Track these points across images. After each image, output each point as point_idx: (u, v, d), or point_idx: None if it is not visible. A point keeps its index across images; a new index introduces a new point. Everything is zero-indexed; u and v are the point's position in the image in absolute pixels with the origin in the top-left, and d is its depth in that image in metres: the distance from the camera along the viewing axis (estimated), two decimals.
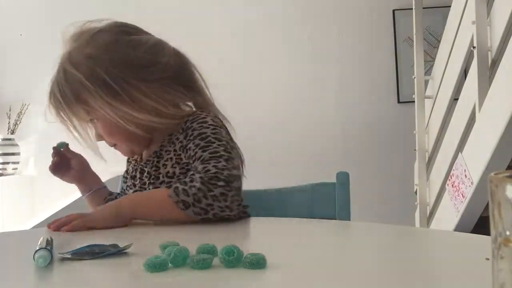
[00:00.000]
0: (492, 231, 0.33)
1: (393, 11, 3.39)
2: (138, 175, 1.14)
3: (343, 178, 1.20)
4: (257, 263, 0.56)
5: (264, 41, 3.45)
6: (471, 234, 0.74)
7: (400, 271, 0.57)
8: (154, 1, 3.54)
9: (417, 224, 2.53)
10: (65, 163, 1.20)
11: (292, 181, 1.34)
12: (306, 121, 3.39)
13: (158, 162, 1.10)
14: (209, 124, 1.06)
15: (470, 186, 1.82)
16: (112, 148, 1.15)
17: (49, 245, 0.64)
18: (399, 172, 3.19)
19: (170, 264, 0.58)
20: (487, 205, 1.71)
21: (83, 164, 1.22)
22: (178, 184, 0.94)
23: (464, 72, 2.18)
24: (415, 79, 2.61)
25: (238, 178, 0.99)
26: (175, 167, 1.07)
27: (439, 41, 2.82)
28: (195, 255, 0.59)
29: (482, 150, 1.74)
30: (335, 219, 1.16)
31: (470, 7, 1.97)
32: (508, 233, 0.32)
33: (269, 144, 3.38)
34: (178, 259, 0.58)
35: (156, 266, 0.56)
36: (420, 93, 2.60)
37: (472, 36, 1.92)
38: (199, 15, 3.43)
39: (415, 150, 2.61)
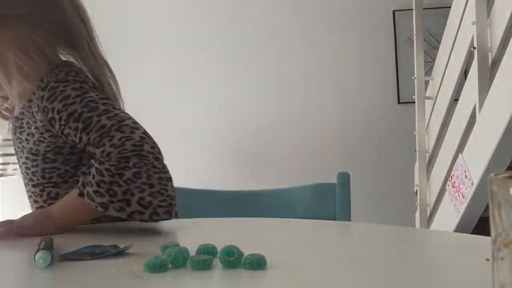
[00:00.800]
0: (492, 232, 0.33)
1: (393, 11, 3.39)
2: (13, 132, 1.04)
3: (344, 179, 1.20)
4: (257, 263, 0.56)
5: (264, 41, 3.45)
6: (471, 235, 0.74)
7: (400, 271, 0.57)
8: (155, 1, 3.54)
9: (417, 225, 2.53)
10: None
11: (292, 182, 1.34)
12: (306, 122, 3.39)
13: (20, 132, 0.99)
14: (73, 97, 0.89)
15: (470, 186, 1.82)
16: None
17: (49, 245, 0.64)
18: (399, 172, 3.19)
19: (170, 265, 0.58)
20: (488, 206, 1.70)
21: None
22: (88, 188, 0.83)
23: (464, 73, 2.18)
24: (415, 80, 2.61)
25: (149, 140, 0.85)
26: (39, 145, 0.95)
27: (439, 42, 2.82)
28: (195, 255, 0.59)
29: (482, 151, 1.74)
30: (336, 219, 1.16)
31: (470, 7, 1.97)
32: (508, 234, 0.32)
33: (269, 145, 3.38)
34: (178, 260, 0.58)
35: (156, 267, 0.56)
36: (420, 94, 2.60)
37: (472, 36, 1.92)
38: (197, 15, 3.43)
39: (415, 150, 2.61)
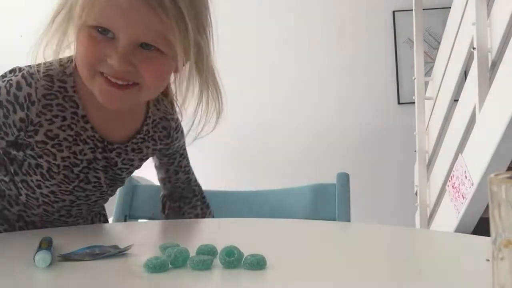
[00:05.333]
0: (492, 232, 0.33)
1: (393, 12, 3.40)
2: (95, 154, 0.88)
3: (343, 179, 1.20)
4: (257, 264, 0.56)
5: (264, 41, 3.45)
6: (472, 235, 0.74)
7: (400, 272, 0.57)
8: None
9: (417, 225, 2.53)
10: None
11: (292, 182, 1.34)
12: (306, 122, 3.39)
13: (135, 153, 0.92)
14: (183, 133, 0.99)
15: (470, 187, 1.82)
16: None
17: (49, 246, 0.64)
18: (399, 173, 3.19)
19: (170, 265, 0.58)
20: (488, 206, 1.71)
21: None
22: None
23: (464, 73, 2.18)
24: (415, 80, 2.61)
25: None
26: (132, 172, 0.96)
27: (439, 43, 2.82)
28: (195, 256, 0.59)
29: (482, 151, 1.74)
30: (335, 220, 1.16)
31: (470, 8, 1.97)
32: (508, 234, 0.32)
33: (269, 145, 3.38)
34: (178, 260, 0.58)
35: (157, 267, 0.56)
36: (420, 94, 2.60)
37: (472, 37, 1.92)
38: None
39: (415, 151, 2.61)
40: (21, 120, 0.81)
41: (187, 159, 1.05)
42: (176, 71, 0.82)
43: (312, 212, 1.22)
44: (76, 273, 0.59)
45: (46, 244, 0.64)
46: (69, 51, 0.86)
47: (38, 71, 0.84)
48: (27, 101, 0.81)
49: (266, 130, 3.39)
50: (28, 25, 4.07)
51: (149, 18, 0.73)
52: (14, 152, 0.86)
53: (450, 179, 2.06)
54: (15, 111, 0.81)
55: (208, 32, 0.83)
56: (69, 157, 0.85)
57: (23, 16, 3.64)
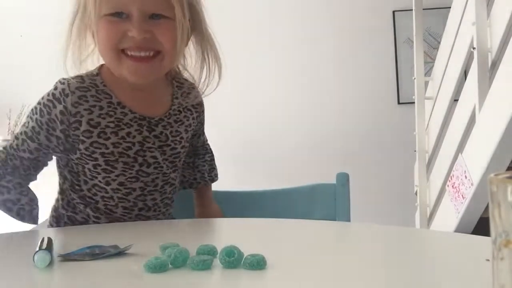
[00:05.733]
0: (492, 232, 0.33)
1: (393, 12, 3.40)
2: (143, 134, 0.96)
3: (343, 179, 1.20)
4: (257, 264, 0.56)
5: (264, 41, 3.45)
6: (471, 235, 0.74)
7: (400, 272, 0.57)
8: None
9: (417, 225, 2.53)
10: None
11: (292, 182, 1.34)
12: (306, 122, 3.39)
13: (179, 125, 1.02)
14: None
15: (470, 187, 1.82)
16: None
17: (48, 246, 0.64)
18: (399, 173, 3.19)
19: (170, 265, 0.58)
20: (487, 206, 1.71)
21: None
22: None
23: (464, 73, 2.18)
24: (415, 80, 2.61)
25: None
26: (188, 133, 1.06)
27: (439, 42, 2.82)
28: (195, 256, 0.59)
29: (482, 151, 1.74)
30: (335, 220, 1.16)
31: (470, 8, 1.97)
32: (508, 234, 0.32)
33: (268, 145, 3.38)
34: (178, 260, 0.58)
35: (157, 267, 0.56)
36: (420, 94, 2.60)
37: (472, 37, 1.92)
38: None
39: (415, 151, 2.61)
40: (61, 113, 0.92)
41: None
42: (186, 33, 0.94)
43: (312, 212, 1.22)
44: (76, 273, 0.59)
45: (46, 244, 0.64)
46: (91, 61, 0.99)
47: (70, 77, 0.96)
48: (62, 95, 0.92)
49: (266, 130, 3.39)
50: (28, 25, 4.08)
51: None
52: (72, 157, 0.95)
53: (450, 179, 2.06)
54: (54, 106, 0.92)
55: (201, 3, 0.98)
56: (119, 143, 0.94)
57: (23, 16, 3.64)
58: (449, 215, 2.04)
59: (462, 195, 1.90)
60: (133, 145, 0.95)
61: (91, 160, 0.94)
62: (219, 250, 0.59)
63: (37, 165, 0.99)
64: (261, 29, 3.47)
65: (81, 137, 0.93)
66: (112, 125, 0.94)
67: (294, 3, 3.47)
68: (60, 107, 0.92)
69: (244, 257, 0.57)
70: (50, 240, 0.67)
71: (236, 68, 3.42)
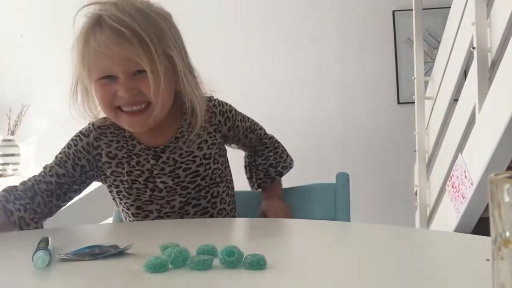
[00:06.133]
0: (492, 232, 0.33)
1: (393, 12, 3.40)
2: (150, 162, 1.07)
3: (343, 179, 1.20)
4: (257, 264, 0.56)
5: (264, 41, 3.45)
6: (471, 235, 0.74)
7: (400, 272, 0.57)
8: None
9: (417, 225, 2.53)
10: None
11: (292, 182, 1.34)
12: (306, 122, 3.39)
13: (188, 146, 1.09)
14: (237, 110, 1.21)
15: (470, 187, 1.82)
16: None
17: (48, 246, 0.64)
18: (399, 173, 3.19)
19: (170, 265, 0.58)
20: (487, 206, 1.70)
21: None
22: (281, 169, 1.26)
23: (464, 73, 2.18)
24: (415, 80, 2.61)
25: None
26: (212, 148, 1.12)
27: (439, 42, 2.82)
28: (195, 256, 0.59)
29: (482, 151, 1.74)
30: (335, 220, 1.15)
31: (470, 8, 1.97)
32: (508, 234, 0.32)
33: None
34: (178, 260, 0.58)
35: (156, 267, 0.56)
36: (420, 94, 2.60)
37: (472, 37, 1.92)
38: (196, 17, 3.43)
39: (415, 151, 2.61)
40: (87, 144, 1.09)
41: (250, 121, 1.24)
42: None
43: (312, 212, 1.22)
44: (76, 272, 0.59)
45: (45, 244, 0.64)
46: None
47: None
48: (87, 131, 1.10)
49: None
50: (28, 25, 4.08)
51: (125, 52, 0.98)
52: (105, 185, 1.11)
53: (450, 179, 2.06)
54: (81, 139, 1.09)
55: (175, 45, 1.03)
56: (131, 171, 1.07)
57: (23, 16, 3.64)
58: (449, 215, 2.04)
59: (462, 195, 1.90)
60: (143, 172, 1.07)
61: (115, 187, 1.08)
62: (219, 250, 0.59)
63: (60, 193, 1.07)
64: (260, 29, 3.47)
65: (103, 168, 1.08)
66: (125, 155, 1.08)
67: (293, 3, 3.47)
68: (85, 139, 1.09)
69: (244, 257, 0.57)
70: (49, 240, 0.67)
71: (235, 68, 3.43)
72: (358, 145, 3.37)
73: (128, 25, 0.97)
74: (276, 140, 1.33)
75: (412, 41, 2.66)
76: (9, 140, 3.49)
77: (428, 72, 2.94)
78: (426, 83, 2.70)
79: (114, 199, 1.13)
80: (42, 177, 1.07)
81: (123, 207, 1.09)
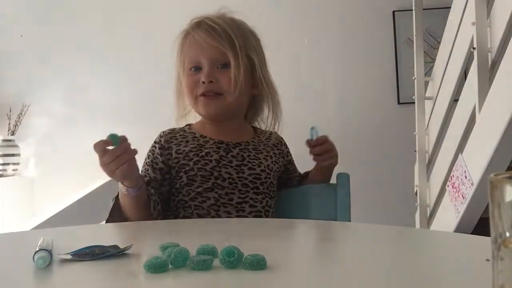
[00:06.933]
0: (492, 232, 0.33)
1: (393, 12, 3.40)
2: (219, 153, 1.17)
3: (344, 180, 1.20)
4: (257, 264, 0.56)
5: (263, 41, 3.45)
6: (471, 235, 0.74)
7: (400, 272, 0.57)
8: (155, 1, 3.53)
9: (417, 225, 2.53)
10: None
11: None
12: (306, 122, 3.38)
13: (257, 152, 1.21)
14: None
15: (470, 187, 1.82)
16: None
17: (49, 246, 0.64)
18: (399, 173, 3.19)
19: (170, 265, 0.58)
20: (487, 206, 1.70)
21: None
22: None
23: (464, 73, 2.18)
24: (415, 80, 2.61)
25: None
26: (274, 165, 1.23)
27: (439, 42, 2.82)
28: (195, 256, 0.59)
29: (482, 151, 1.74)
30: (335, 220, 1.16)
31: (470, 8, 1.97)
32: (508, 234, 0.32)
33: None
34: (178, 260, 0.58)
35: (156, 267, 0.56)
36: (420, 94, 2.60)
37: (472, 37, 1.92)
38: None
39: (415, 151, 2.61)
40: (160, 148, 1.20)
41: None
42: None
43: (312, 212, 1.22)
44: (76, 272, 0.59)
45: (46, 244, 0.64)
46: (192, 116, 1.29)
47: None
48: (159, 138, 1.22)
49: None
50: (28, 25, 4.08)
51: (215, 45, 1.17)
52: (170, 177, 1.18)
53: (450, 179, 2.06)
54: (155, 147, 1.21)
55: (257, 52, 1.25)
56: (199, 160, 1.15)
57: (23, 16, 3.64)
58: (449, 215, 2.04)
59: (462, 195, 1.90)
60: (210, 161, 1.15)
61: (178, 179, 1.16)
62: (219, 250, 0.59)
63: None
64: (260, 28, 3.46)
65: (172, 164, 1.17)
66: (194, 149, 1.17)
67: (293, 3, 3.47)
68: (158, 145, 1.20)
69: (244, 257, 0.57)
70: (50, 240, 0.67)
71: None
72: (359, 145, 3.36)
73: (221, 25, 1.18)
74: None
75: (412, 41, 2.66)
76: (9, 140, 3.49)
77: (428, 72, 2.94)
78: (426, 83, 2.70)
79: (173, 193, 1.17)
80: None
81: (184, 195, 1.14)
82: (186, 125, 1.28)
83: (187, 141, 1.20)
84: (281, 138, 1.35)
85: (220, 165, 1.16)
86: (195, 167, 1.15)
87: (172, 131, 1.24)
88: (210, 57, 1.18)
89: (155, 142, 1.22)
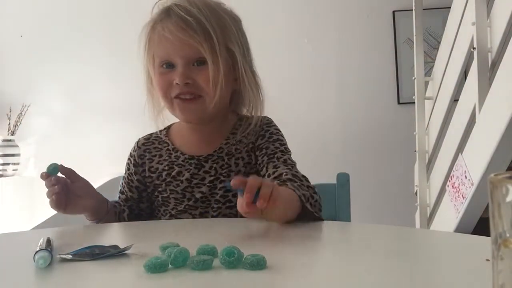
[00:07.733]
0: (492, 232, 0.33)
1: (393, 12, 3.40)
2: (190, 171, 1.08)
3: (344, 179, 1.20)
4: (257, 264, 0.56)
5: (264, 42, 3.45)
6: (471, 235, 0.74)
7: (400, 272, 0.57)
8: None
9: (417, 225, 2.53)
10: (64, 190, 0.98)
11: None
12: (306, 122, 3.39)
13: (229, 158, 1.08)
14: (281, 134, 1.15)
15: (470, 187, 1.82)
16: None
17: (49, 246, 0.64)
18: (399, 173, 3.19)
19: (170, 265, 0.58)
20: (487, 206, 1.71)
21: (89, 187, 1.03)
22: (302, 191, 0.93)
23: (464, 73, 2.18)
24: (415, 80, 2.61)
25: None
26: (246, 167, 1.09)
27: (439, 42, 2.82)
28: (195, 256, 0.59)
29: (482, 151, 1.74)
30: (335, 220, 1.15)
31: (470, 8, 1.97)
32: (508, 234, 0.32)
33: None
34: (179, 260, 0.58)
35: (157, 267, 0.56)
36: (420, 94, 2.60)
37: (472, 37, 1.92)
38: None
39: (415, 151, 2.61)
40: (134, 165, 1.14)
41: (284, 157, 1.09)
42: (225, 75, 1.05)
43: None
44: (76, 272, 0.59)
45: (46, 244, 0.64)
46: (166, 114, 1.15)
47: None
48: (133, 152, 1.16)
49: None
50: (28, 25, 4.08)
51: (189, 41, 1.00)
52: (147, 194, 1.14)
53: (450, 179, 2.06)
54: (130, 161, 1.15)
55: (238, 42, 1.08)
56: (170, 182, 1.09)
57: (23, 16, 3.64)
58: (449, 215, 2.04)
59: (462, 195, 1.90)
60: (182, 182, 1.08)
61: (154, 198, 1.12)
62: (219, 250, 0.59)
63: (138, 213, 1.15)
64: (260, 28, 3.47)
65: (146, 182, 1.13)
66: (166, 167, 1.10)
67: (293, 3, 3.47)
68: (132, 160, 1.15)
69: (244, 257, 0.57)
70: (50, 240, 0.67)
71: None
72: (358, 145, 3.36)
73: (194, 15, 1.00)
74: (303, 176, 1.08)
75: (412, 41, 2.66)
76: (9, 140, 3.49)
77: (428, 72, 2.94)
78: (426, 83, 2.71)
79: (157, 207, 1.14)
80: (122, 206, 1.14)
81: (162, 214, 1.11)
82: (165, 128, 1.17)
83: (160, 156, 1.12)
84: (266, 121, 1.15)
85: (192, 184, 1.07)
86: (168, 189, 1.09)
87: (147, 140, 1.16)
88: (183, 55, 1.02)
89: (130, 154, 1.16)
